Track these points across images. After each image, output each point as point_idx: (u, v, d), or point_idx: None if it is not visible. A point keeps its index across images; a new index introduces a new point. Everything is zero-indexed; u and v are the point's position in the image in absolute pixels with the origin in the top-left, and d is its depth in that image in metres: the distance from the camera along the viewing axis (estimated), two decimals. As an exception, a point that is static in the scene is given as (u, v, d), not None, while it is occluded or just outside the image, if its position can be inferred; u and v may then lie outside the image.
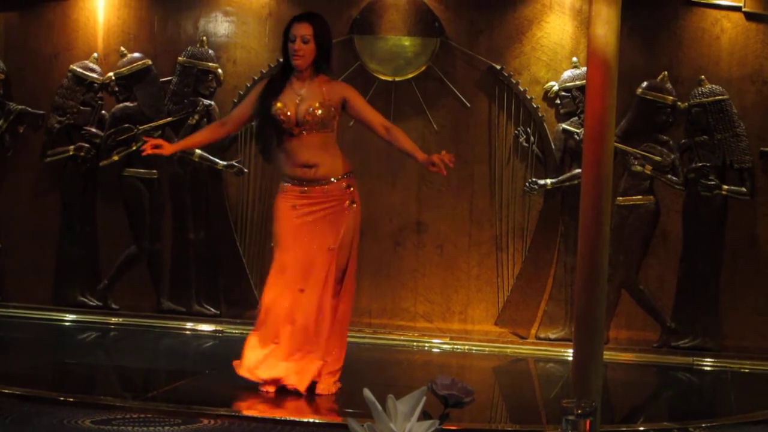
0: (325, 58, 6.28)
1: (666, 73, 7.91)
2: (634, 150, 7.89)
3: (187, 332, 8.36)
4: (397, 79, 8.19)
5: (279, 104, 6.18)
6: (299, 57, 6.19)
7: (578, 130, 7.83)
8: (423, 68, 8.17)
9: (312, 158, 6.18)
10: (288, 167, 6.25)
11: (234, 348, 7.81)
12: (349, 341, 6.48)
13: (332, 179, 6.21)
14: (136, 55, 8.52)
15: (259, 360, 6.20)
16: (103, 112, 8.59)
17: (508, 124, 8.15)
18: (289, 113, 6.14)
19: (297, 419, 5.56)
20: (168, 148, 6.45)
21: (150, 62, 8.49)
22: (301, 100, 6.17)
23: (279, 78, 6.33)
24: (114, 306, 8.60)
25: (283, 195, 6.30)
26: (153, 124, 8.41)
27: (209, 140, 6.86)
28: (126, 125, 8.46)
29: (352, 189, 6.28)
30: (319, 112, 6.14)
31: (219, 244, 8.49)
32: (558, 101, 8.06)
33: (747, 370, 7.68)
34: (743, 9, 7.84)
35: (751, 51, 7.86)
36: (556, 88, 8.06)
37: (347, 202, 6.24)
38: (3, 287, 8.78)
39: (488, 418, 6.17)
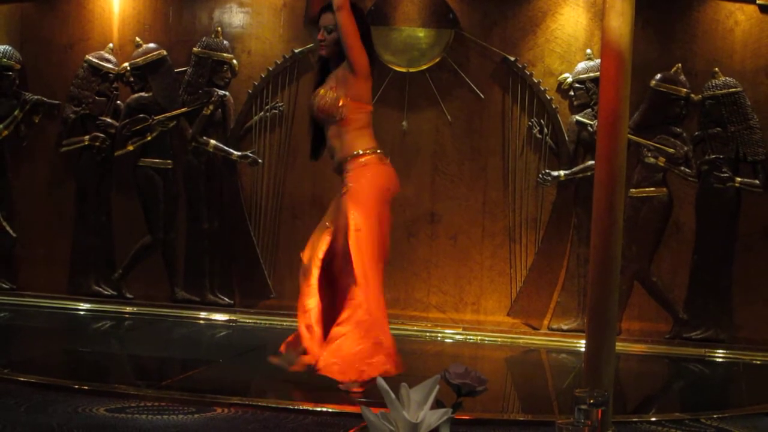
0: None
1: (680, 65, 7.91)
2: (648, 142, 7.89)
3: (201, 322, 8.39)
4: (411, 70, 8.20)
5: (319, 94, 6.18)
6: (322, 47, 6.17)
7: (592, 122, 7.84)
8: (437, 59, 8.17)
9: (333, 145, 6.16)
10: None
11: (247, 337, 7.89)
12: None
13: (347, 165, 6.11)
14: (152, 45, 8.54)
15: None
16: (118, 102, 8.62)
17: (521, 116, 8.16)
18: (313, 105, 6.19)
19: (310, 408, 5.56)
20: None
21: (165, 53, 8.51)
22: (324, 92, 6.16)
23: (320, 70, 6.32)
24: (128, 295, 8.64)
25: None
26: (168, 114, 8.44)
27: None
28: (141, 115, 8.49)
29: (349, 174, 6.09)
30: (320, 100, 6.10)
31: (233, 234, 8.51)
32: (572, 93, 8.06)
33: (759, 362, 7.69)
34: (757, 1, 7.82)
35: (765, 44, 7.85)
36: (569, 79, 8.06)
37: (344, 188, 6.13)
38: (18, 276, 8.82)
39: (501, 408, 6.18)
